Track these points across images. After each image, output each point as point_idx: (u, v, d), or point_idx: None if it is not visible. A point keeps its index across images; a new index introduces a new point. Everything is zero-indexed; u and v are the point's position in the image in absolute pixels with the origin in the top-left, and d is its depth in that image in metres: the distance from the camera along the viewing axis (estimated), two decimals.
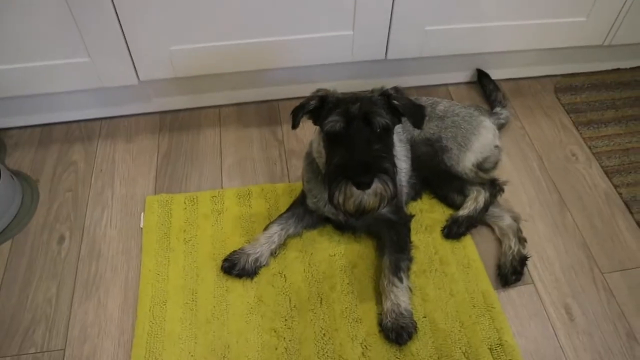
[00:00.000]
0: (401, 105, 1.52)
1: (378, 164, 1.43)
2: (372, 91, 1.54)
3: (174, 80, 2.00)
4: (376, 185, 1.42)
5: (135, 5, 1.72)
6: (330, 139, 1.50)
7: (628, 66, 2.38)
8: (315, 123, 1.59)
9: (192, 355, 1.57)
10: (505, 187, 1.89)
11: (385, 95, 1.52)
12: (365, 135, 1.46)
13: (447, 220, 1.84)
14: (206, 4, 1.76)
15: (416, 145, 1.84)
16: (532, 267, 1.77)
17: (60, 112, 2.12)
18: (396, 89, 1.54)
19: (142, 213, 1.88)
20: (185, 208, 1.90)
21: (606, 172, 2.00)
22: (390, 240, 1.71)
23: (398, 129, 1.84)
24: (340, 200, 1.44)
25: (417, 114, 1.54)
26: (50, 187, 1.97)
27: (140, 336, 1.61)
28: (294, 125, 1.54)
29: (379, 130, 1.48)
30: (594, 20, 2.02)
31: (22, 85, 1.89)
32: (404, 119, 1.59)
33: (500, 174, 1.99)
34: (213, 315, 1.66)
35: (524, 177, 2.00)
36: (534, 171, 2.02)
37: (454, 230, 1.80)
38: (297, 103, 2.15)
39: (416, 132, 1.86)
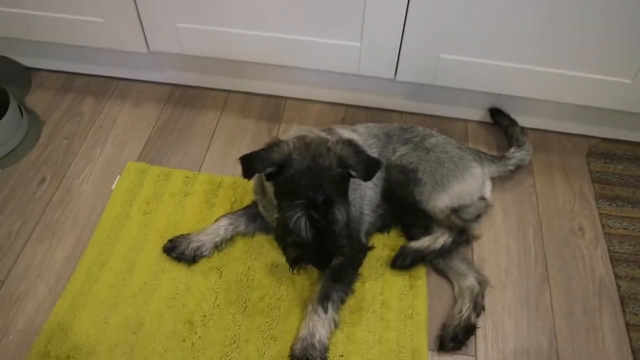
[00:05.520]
0: (358, 174, 1.42)
1: (337, 249, 1.43)
2: (329, 149, 1.41)
3: (187, 56, 2.02)
4: (335, 262, 1.44)
5: None
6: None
7: None
8: (268, 179, 1.48)
9: (106, 322, 1.60)
10: (479, 242, 1.74)
11: (345, 167, 1.41)
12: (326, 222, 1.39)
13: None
14: None
15: (390, 170, 1.71)
16: (482, 338, 1.58)
17: (84, 65, 2.24)
18: (350, 143, 1.44)
19: (118, 176, 1.94)
20: (157, 181, 1.92)
21: (612, 258, 1.74)
22: (332, 267, 1.61)
23: (372, 149, 1.73)
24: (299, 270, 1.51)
25: (370, 172, 1.45)
26: (52, 131, 2.08)
27: (69, 290, 1.66)
28: (246, 177, 1.45)
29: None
30: None
31: (47, 33, 2.00)
32: None
33: (486, 228, 1.80)
34: (140, 290, 1.67)
35: (513, 239, 1.79)
36: (526, 236, 1.80)
37: (398, 262, 1.67)
38: (304, 105, 2.17)
39: (394, 156, 1.73)
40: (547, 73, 1.78)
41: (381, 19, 1.73)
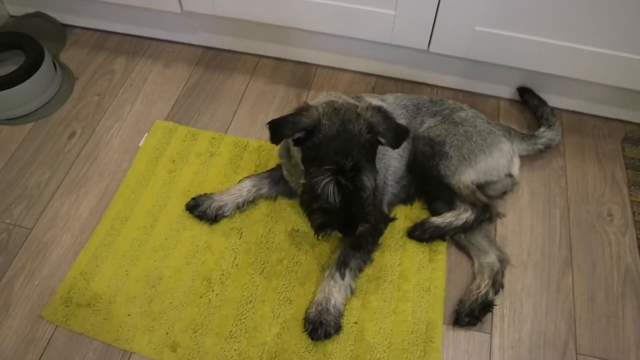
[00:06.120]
0: (386, 142, 1.41)
1: (363, 216, 1.42)
2: (359, 115, 1.39)
3: (219, 18, 2.01)
4: (360, 230, 1.44)
5: None
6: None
7: None
8: (296, 144, 1.47)
9: (127, 274, 1.63)
10: (503, 221, 1.72)
11: (374, 133, 1.40)
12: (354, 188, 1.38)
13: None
14: None
15: (417, 142, 1.69)
16: (499, 316, 1.56)
17: (118, 23, 2.26)
18: (379, 110, 1.42)
19: (146, 134, 1.96)
20: (184, 141, 1.93)
21: None
22: (354, 235, 1.61)
23: (400, 120, 1.71)
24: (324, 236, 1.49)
25: (399, 139, 1.43)
26: (84, 87, 2.12)
27: (93, 241, 1.70)
28: (274, 142, 1.44)
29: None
30: None
31: None
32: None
33: (511, 207, 1.77)
34: (161, 245, 1.69)
35: (538, 220, 1.75)
36: (552, 218, 1.75)
37: (416, 233, 1.67)
38: (334, 74, 2.14)
39: (422, 127, 1.71)
40: (589, 52, 1.72)
41: None
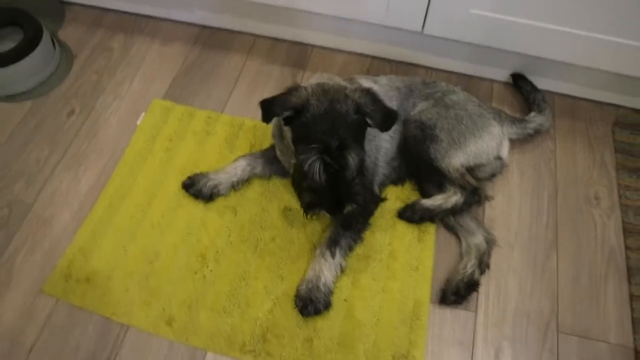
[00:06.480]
0: (374, 123, 1.43)
1: (350, 196, 1.45)
2: (347, 96, 1.42)
3: None
4: (348, 209, 1.46)
5: None
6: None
7: None
8: (286, 123, 1.50)
9: (124, 250, 1.68)
10: (492, 203, 1.76)
11: (361, 114, 1.42)
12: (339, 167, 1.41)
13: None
14: None
15: (408, 125, 1.71)
16: (484, 295, 1.61)
17: (116, 1, 2.26)
18: (368, 91, 1.45)
19: (144, 112, 1.99)
20: (180, 119, 1.96)
21: (625, 229, 1.72)
22: (343, 214, 1.65)
23: (392, 102, 1.73)
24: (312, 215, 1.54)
25: (387, 122, 1.46)
26: (83, 65, 2.14)
27: (91, 218, 1.75)
28: (265, 121, 1.47)
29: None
30: None
31: None
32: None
33: (500, 189, 1.80)
34: (158, 223, 1.74)
35: (526, 202, 1.78)
36: (540, 200, 1.79)
37: (406, 214, 1.70)
38: (329, 54, 2.16)
39: (414, 110, 1.73)
40: (584, 37, 1.72)
41: None
